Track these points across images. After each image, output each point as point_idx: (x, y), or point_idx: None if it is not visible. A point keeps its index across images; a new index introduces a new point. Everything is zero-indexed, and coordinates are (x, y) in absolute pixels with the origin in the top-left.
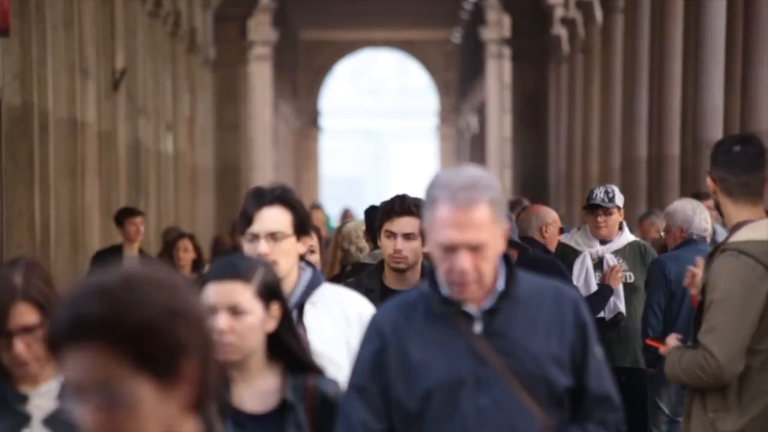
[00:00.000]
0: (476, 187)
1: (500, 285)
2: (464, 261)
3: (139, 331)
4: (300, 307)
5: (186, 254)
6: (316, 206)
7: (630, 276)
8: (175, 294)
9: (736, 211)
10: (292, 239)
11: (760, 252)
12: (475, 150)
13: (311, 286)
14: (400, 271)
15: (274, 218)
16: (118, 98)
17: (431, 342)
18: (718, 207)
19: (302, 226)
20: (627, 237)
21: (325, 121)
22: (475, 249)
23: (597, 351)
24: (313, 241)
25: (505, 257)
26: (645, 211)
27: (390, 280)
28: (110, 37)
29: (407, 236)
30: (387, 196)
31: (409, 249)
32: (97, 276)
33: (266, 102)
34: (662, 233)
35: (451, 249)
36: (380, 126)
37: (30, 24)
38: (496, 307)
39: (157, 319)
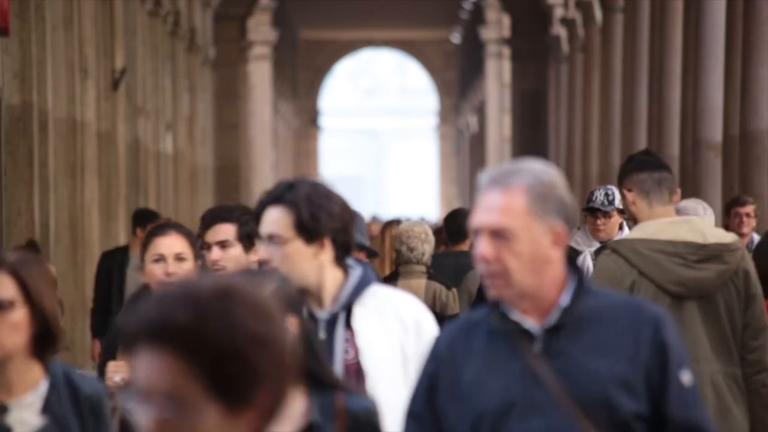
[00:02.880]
0: (516, 172)
1: (565, 300)
2: (482, 246)
3: (220, 351)
4: (348, 309)
5: None
6: None
7: None
8: (266, 319)
9: (648, 211)
10: (296, 243)
11: (629, 249)
12: (475, 150)
13: (360, 286)
14: None
15: (272, 220)
16: (117, 98)
17: (486, 363)
18: (634, 220)
19: (305, 226)
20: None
21: (325, 120)
22: (497, 236)
23: (683, 376)
24: (184, 246)
25: (576, 270)
26: None
27: None
28: (110, 37)
29: (222, 244)
30: (386, 195)
31: (228, 258)
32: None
33: (266, 101)
34: None
35: (476, 233)
36: (380, 125)
37: (30, 24)
38: (559, 324)
39: (242, 343)
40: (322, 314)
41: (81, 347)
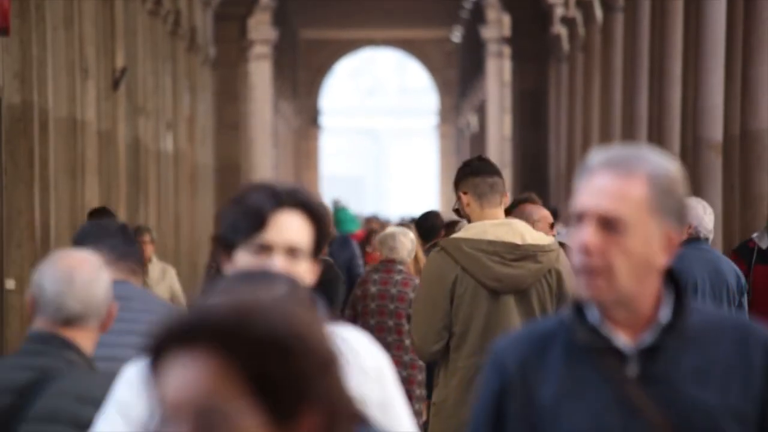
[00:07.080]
0: (638, 158)
1: (665, 316)
2: (587, 234)
3: (263, 346)
4: None
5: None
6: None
7: None
8: (311, 328)
9: (479, 213)
10: (308, 261)
11: (455, 247)
12: (476, 149)
13: None
14: None
15: (295, 228)
16: (118, 97)
17: (568, 384)
18: (468, 220)
19: (320, 241)
20: None
21: (325, 120)
22: (607, 225)
23: None
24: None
25: (675, 281)
26: None
27: None
28: (110, 37)
29: None
30: (386, 195)
31: None
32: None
33: (266, 101)
34: None
35: (579, 219)
36: (380, 125)
37: (30, 23)
38: (659, 344)
39: (286, 338)
40: None
41: None
